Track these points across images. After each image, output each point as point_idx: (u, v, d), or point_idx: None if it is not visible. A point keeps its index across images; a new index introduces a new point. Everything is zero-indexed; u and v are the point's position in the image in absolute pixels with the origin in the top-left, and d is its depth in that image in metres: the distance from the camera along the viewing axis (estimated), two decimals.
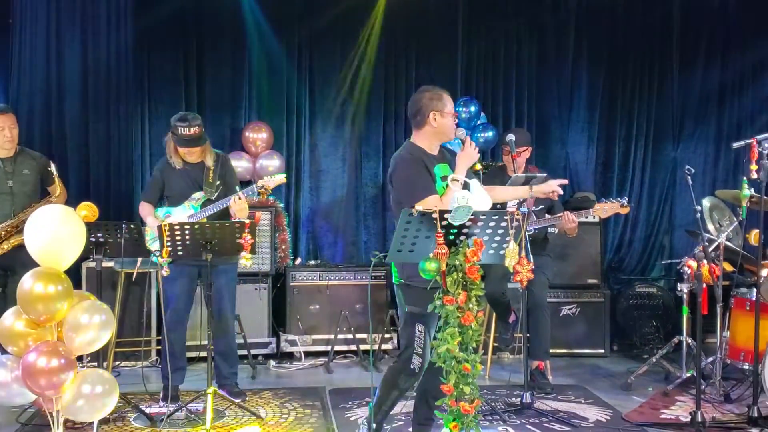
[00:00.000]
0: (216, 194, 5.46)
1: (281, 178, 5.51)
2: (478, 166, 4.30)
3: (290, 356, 6.89)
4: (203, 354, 6.36)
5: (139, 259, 5.93)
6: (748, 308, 5.73)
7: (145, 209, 5.56)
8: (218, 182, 5.49)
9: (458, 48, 7.82)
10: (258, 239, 6.49)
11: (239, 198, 5.30)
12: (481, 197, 3.78)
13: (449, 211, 3.52)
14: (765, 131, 4.91)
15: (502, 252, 3.69)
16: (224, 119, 7.50)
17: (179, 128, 5.34)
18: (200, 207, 5.44)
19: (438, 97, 4.33)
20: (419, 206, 4.03)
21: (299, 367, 6.70)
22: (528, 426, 5.10)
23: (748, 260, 6.04)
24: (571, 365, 6.78)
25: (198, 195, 5.47)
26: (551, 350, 6.16)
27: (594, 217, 5.95)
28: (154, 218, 5.44)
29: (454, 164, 4.33)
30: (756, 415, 4.99)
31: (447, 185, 4.16)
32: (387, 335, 6.93)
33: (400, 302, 4.30)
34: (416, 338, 4.18)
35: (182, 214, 5.43)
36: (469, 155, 4.27)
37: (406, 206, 4.06)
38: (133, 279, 6.29)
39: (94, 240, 4.88)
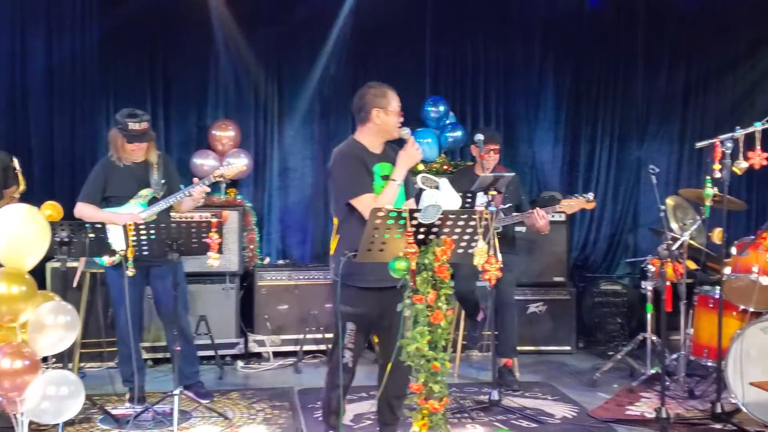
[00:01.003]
0: (161, 193, 5.39)
1: (240, 166, 5.47)
2: (421, 167, 4.28)
3: (258, 357, 6.84)
4: (167, 355, 6.32)
5: (83, 260, 5.85)
6: (711, 306, 5.79)
7: (87, 209, 5.31)
8: (163, 180, 5.41)
9: (426, 47, 7.82)
10: (225, 238, 6.47)
11: (199, 188, 5.27)
12: (450, 196, 3.78)
13: (419, 211, 3.51)
14: (728, 131, 4.95)
15: (470, 251, 3.69)
16: (190, 117, 7.44)
17: (129, 123, 5.24)
18: (147, 204, 5.35)
19: (382, 94, 4.29)
20: (354, 203, 4.11)
21: (268, 368, 6.66)
22: (495, 423, 5.11)
23: (711, 258, 6.10)
24: (537, 362, 6.81)
25: (146, 192, 5.36)
26: (518, 347, 6.18)
27: (560, 215, 5.98)
28: (117, 214, 5.29)
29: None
30: (719, 410, 5.04)
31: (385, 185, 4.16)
32: None
33: (335, 300, 4.32)
34: (347, 335, 4.23)
35: (128, 211, 5.34)
36: (409, 155, 4.22)
37: (341, 201, 4.17)
38: (75, 284, 6.17)
39: (58, 240, 4.81)
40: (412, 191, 4.46)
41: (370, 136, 4.33)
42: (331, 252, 4.39)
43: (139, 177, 5.38)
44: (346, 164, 4.25)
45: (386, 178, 4.22)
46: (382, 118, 4.27)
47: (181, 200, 5.35)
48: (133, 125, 5.24)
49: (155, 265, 5.27)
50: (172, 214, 5.47)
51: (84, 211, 5.31)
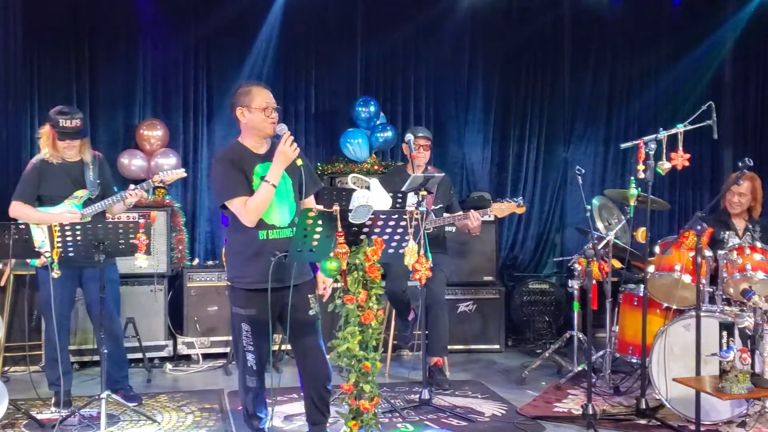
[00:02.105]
0: (96, 193, 5.29)
1: (180, 173, 5.40)
2: (300, 161, 4.17)
3: (188, 359, 6.75)
4: (95, 358, 6.21)
5: (11, 261, 5.71)
6: (635, 304, 5.90)
7: (23, 209, 5.17)
8: (98, 181, 5.31)
9: (357, 48, 7.83)
10: (153, 239, 6.36)
11: (135, 193, 5.19)
12: (380, 196, 3.78)
13: (350, 211, 3.50)
14: (651, 133, 5.06)
15: (401, 250, 3.70)
16: (118, 116, 7.30)
17: (61, 120, 5.12)
18: (83, 206, 5.24)
19: (245, 92, 4.21)
20: (228, 205, 4.10)
21: (197, 370, 6.57)
22: (426, 422, 5.13)
23: (635, 257, 6.22)
24: (467, 361, 6.87)
25: (81, 193, 5.24)
26: (449, 346, 6.22)
27: (490, 216, 6.03)
28: (56, 215, 5.15)
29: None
30: (644, 406, 5.14)
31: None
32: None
33: (229, 303, 4.33)
34: (244, 337, 4.21)
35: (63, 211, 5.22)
36: (283, 153, 4.07)
37: (218, 205, 4.21)
38: (2, 283, 6.01)
39: None
40: (310, 188, 4.40)
41: (247, 137, 4.26)
42: (228, 256, 4.37)
43: (74, 176, 5.26)
44: (218, 168, 4.20)
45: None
46: (247, 116, 4.18)
47: (115, 203, 5.25)
48: (65, 122, 5.13)
49: (88, 267, 5.15)
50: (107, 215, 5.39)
51: (19, 210, 5.17)
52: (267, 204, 4.08)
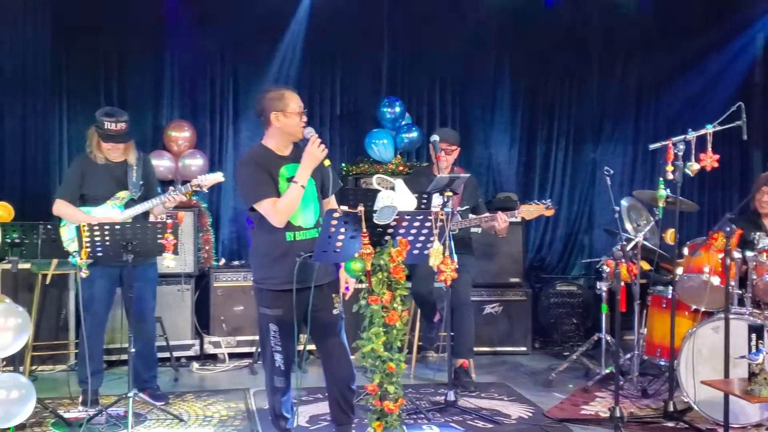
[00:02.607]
0: (139, 194, 5.34)
1: (218, 177, 5.45)
2: (328, 162, 4.24)
3: (214, 358, 6.81)
4: (122, 357, 6.26)
5: (55, 261, 5.78)
6: (664, 306, 5.87)
7: (67, 209, 5.24)
8: (141, 182, 5.37)
9: (383, 48, 7.83)
10: (181, 240, 6.42)
11: (174, 198, 5.27)
12: (405, 197, 3.79)
13: (375, 212, 3.52)
14: (680, 133, 5.04)
15: (426, 252, 3.70)
16: (146, 117, 7.35)
17: (105, 123, 5.19)
18: (124, 207, 5.30)
19: (279, 97, 4.26)
20: (256, 207, 4.13)
21: (223, 369, 6.62)
22: (452, 424, 5.13)
23: (664, 259, 6.18)
24: (493, 363, 6.85)
25: (123, 194, 5.31)
26: (475, 348, 6.21)
27: (518, 218, 6.02)
28: (95, 216, 5.18)
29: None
30: (672, 409, 5.12)
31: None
32: None
33: (256, 304, 4.37)
34: (272, 338, 4.25)
35: (105, 213, 5.28)
36: (311, 154, 4.17)
37: (246, 207, 4.21)
38: (48, 281, 6.11)
39: (9, 241, 4.73)
40: (334, 187, 4.47)
41: (275, 139, 4.30)
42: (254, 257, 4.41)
43: (117, 177, 5.32)
44: (245, 170, 4.26)
45: (291, 179, 4.20)
46: (282, 120, 4.24)
47: (156, 205, 5.31)
48: (110, 125, 5.20)
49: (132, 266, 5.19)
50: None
51: (63, 209, 5.24)
52: (296, 204, 4.14)
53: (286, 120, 4.23)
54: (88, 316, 5.19)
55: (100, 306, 5.27)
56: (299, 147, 4.30)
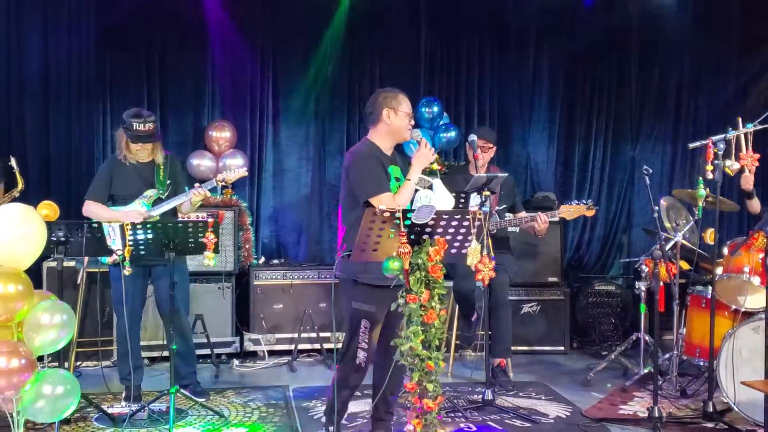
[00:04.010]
0: (166, 193, 5.42)
1: (242, 172, 5.52)
2: (435, 166, 4.34)
3: (254, 355, 6.87)
4: (163, 354, 6.34)
5: (86, 259, 5.85)
6: (703, 305, 5.82)
7: (94, 208, 5.33)
8: (168, 181, 5.44)
9: (420, 48, 7.83)
10: (221, 238, 6.49)
11: (199, 192, 5.31)
12: (443, 196, 3.80)
13: (412, 211, 3.53)
14: (720, 132, 4.98)
15: (464, 251, 3.71)
16: (187, 118, 7.44)
17: (134, 124, 5.27)
18: (151, 205, 5.37)
19: (393, 96, 4.41)
20: (373, 201, 4.12)
21: (263, 366, 6.67)
22: (489, 422, 5.13)
23: (703, 258, 6.13)
24: (531, 362, 6.84)
25: (150, 192, 5.39)
26: (512, 347, 6.20)
27: (558, 218, 6.00)
28: (124, 213, 5.27)
29: (405, 170, 4.37)
30: (711, 410, 5.07)
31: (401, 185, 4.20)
32: None
33: (345, 298, 4.36)
34: (361, 333, 4.27)
35: (132, 209, 5.35)
36: (424, 155, 4.31)
37: (359, 199, 4.19)
38: (78, 281, 6.17)
39: (54, 239, 4.82)
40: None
41: (382, 138, 4.41)
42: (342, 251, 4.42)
43: (144, 177, 5.42)
44: (364, 163, 4.31)
45: (398, 179, 4.31)
46: (393, 119, 4.37)
47: (183, 202, 5.38)
48: (138, 126, 5.27)
49: (159, 265, 5.29)
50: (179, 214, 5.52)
51: (91, 209, 5.34)
52: (408, 202, 4.22)
53: (396, 119, 4.37)
54: (127, 314, 5.28)
55: (137, 303, 5.36)
56: (395, 152, 4.49)
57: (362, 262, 4.06)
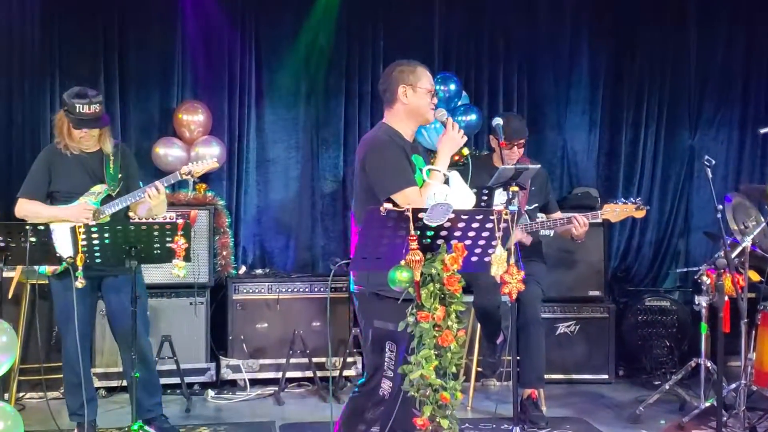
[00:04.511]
0: (117, 189, 5.39)
1: (212, 162, 5.50)
2: (466, 151, 4.31)
3: (233, 385, 6.88)
4: (122, 383, 6.32)
5: (18, 268, 5.81)
6: None
7: (30, 206, 5.30)
8: (120, 175, 5.41)
9: (435, 14, 7.84)
10: (193, 243, 6.48)
11: (156, 188, 5.27)
12: (462, 193, 3.79)
13: (424, 210, 3.51)
14: None
15: (487, 259, 3.70)
16: (152, 98, 7.45)
17: (77, 106, 5.21)
18: (100, 203, 5.35)
19: (411, 71, 4.37)
20: (396, 198, 4.05)
21: (244, 398, 6.68)
22: None
23: None
24: (569, 393, 6.84)
25: (99, 188, 5.34)
26: (546, 376, 6.19)
27: (600, 219, 5.98)
28: (67, 208, 5.24)
29: (425, 158, 4.34)
30: None
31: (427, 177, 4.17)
32: (350, 359, 6.91)
33: (366, 316, 4.32)
34: (386, 359, 4.21)
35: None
36: (451, 139, 4.31)
37: (380, 197, 4.08)
38: (9, 296, 6.13)
39: None
40: None
41: (400, 121, 4.39)
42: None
43: (91, 170, 5.38)
44: (384, 153, 4.27)
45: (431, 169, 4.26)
46: (411, 97, 4.34)
47: (139, 201, 5.35)
48: (82, 107, 5.23)
49: (110, 275, 5.27)
50: (130, 215, 5.49)
51: (26, 208, 5.31)
52: None
53: (415, 97, 4.34)
54: (67, 335, 5.25)
55: (84, 321, 5.30)
56: (416, 139, 4.44)
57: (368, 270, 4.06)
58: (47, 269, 5.18)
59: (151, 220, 5.37)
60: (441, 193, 3.57)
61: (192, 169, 5.41)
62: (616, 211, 5.79)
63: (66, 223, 5.07)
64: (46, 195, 5.36)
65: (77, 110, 5.22)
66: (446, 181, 3.83)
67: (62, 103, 5.33)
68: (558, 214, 6.08)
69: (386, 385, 4.22)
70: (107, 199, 5.35)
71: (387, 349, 4.21)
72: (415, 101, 4.35)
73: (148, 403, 5.51)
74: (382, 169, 4.24)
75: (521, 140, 6.03)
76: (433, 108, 4.42)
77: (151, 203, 5.29)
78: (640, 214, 5.86)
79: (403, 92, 4.33)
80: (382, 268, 3.63)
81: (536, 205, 6.07)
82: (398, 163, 4.24)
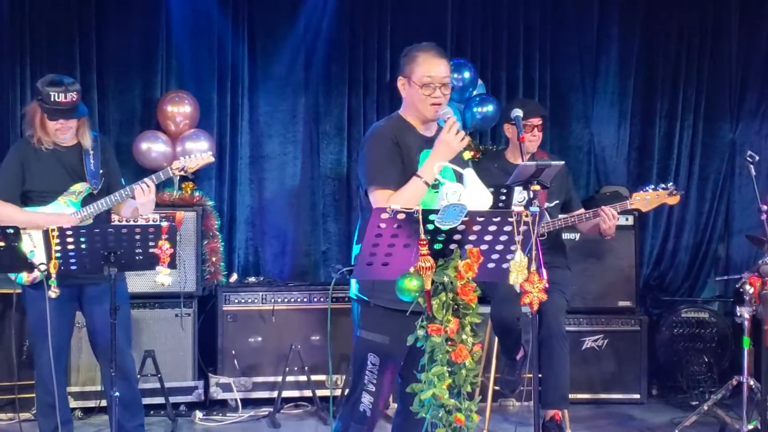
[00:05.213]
0: (99, 187, 5.37)
1: (207, 157, 5.47)
2: (467, 155, 4.26)
3: (223, 405, 6.88)
4: (101, 403, 6.33)
5: None
6: None
7: (4, 209, 5.25)
8: (101, 171, 5.41)
9: None
10: (179, 248, 6.48)
11: (148, 185, 5.25)
12: (477, 192, 3.78)
13: (436, 212, 3.51)
14: None
15: (505, 266, 3.69)
16: (133, 88, 7.47)
17: (52, 94, 5.19)
18: (81, 204, 5.34)
19: (411, 58, 4.32)
20: (370, 195, 4.12)
21: (235, 420, 6.68)
22: None
23: None
24: (596, 415, 6.86)
25: (79, 187, 5.33)
26: (570, 395, 6.18)
27: (627, 217, 5.97)
28: (45, 215, 5.22)
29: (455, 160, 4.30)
30: None
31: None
32: None
33: (355, 322, 4.35)
34: (367, 371, 4.22)
35: (56, 212, 5.32)
36: (445, 143, 4.15)
37: (364, 196, 4.15)
38: None
39: None
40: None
41: (411, 113, 4.36)
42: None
43: (69, 165, 5.35)
44: (373, 145, 4.28)
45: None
46: (407, 90, 4.32)
47: (123, 201, 5.34)
48: (57, 96, 5.21)
49: (90, 284, 5.25)
50: (113, 216, 5.49)
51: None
52: (415, 205, 4.10)
53: (411, 91, 4.30)
54: (41, 350, 5.23)
55: (60, 335, 5.29)
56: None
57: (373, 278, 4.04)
58: (24, 277, 5.16)
59: (132, 222, 5.36)
60: (454, 193, 3.56)
61: (185, 165, 5.39)
62: (646, 199, 5.79)
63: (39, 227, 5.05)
64: (20, 195, 5.32)
65: (52, 99, 5.19)
66: (460, 180, 3.82)
67: (35, 92, 5.30)
68: (582, 211, 6.07)
69: (366, 400, 4.24)
70: (89, 198, 5.33)
71: (369, 362, 4.22)
72: (411, 95, 4.31)
73: (129, 425, 5.47)
74: (363, 161, 4.29)
75: (537, 119, 6.00)
76: (435, 105, 4.27)
77: (138, 202, 5.27)
78: (673, 201, 5.86)
79: (401, 84, 4.33)
80: (388, 276, 3.62)
81: (557, 202, 6.06)
82: (381, 159, 4.21)
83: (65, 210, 5.28)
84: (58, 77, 5.26)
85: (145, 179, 5.28)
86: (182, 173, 5.42)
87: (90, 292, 5.34)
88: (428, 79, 4.25)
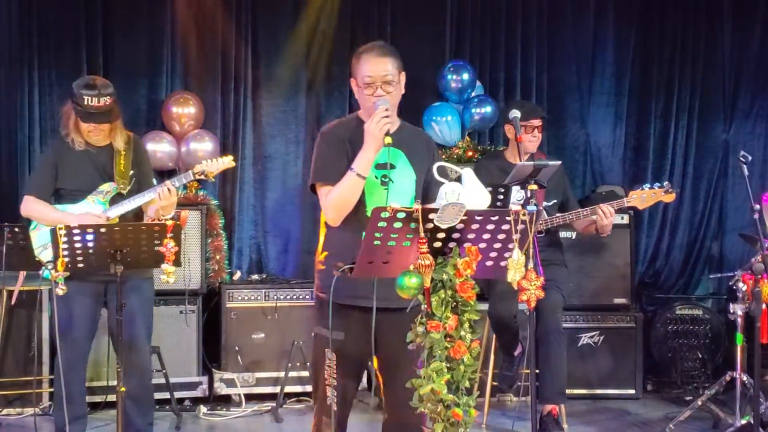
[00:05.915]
0: (129, 187, 5.38)
1: (227, 162, 5.47)
2: (389, 140, 4.09)
3: (227, 400, 6.88)
4: (110, 398, 6.32)
5: (22, 274, 5.81)
6: None
7: (38, 206, 5.29)
8: (132, 171, 5.41)
9: None
10: (184, 247, 6.48)
11: (168, 189, 5.25)
12: (476, 191, 3.78)
13: (435, 210, 3.51)
14: None
15: (503, 263, 3.69)
16: (139, 89, 7.46)
17: (85, 98, 5.20)
18: (109, 204, 5.35)
19: (356, 59, 4.28)
20: (319, 191, 4.17)
21: (239, 415, 6.69)
22: None
23: None
24: (592, 410, 6.85)
25: (107, 187, 5.34)
26: (567, 391, 6.19)
27: (623, 216, 5.97)
28: (75, 214, 5.20)
29: (416, 155, 4.27)
30: None
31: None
32: None
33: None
34: (326, 367, 4.16)
35: (85, 210, 5.33)
36: (368, 132, 4.03)
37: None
38: (13, 301, 6.15)
39: None
40: (434, 187, 4.38)
41: (365, 113, 4.27)
42: (318, 258, 4.39)
43: (100, 166, 5.35)
44: (318, 144, 4.28)
45: (383, 167, 4.17)
46: (356, 91, 4.28)
47: (149, 201, 5.32)
48: (90, 100, 5.20)
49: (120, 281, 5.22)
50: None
51: (33, 208, 5.29)
52: (351, 199, 4.09)
53: (359, 91, 4.25)
54: (64, 346, 5.25)
55: (80, 332, 5.30)
56: (414, 130, 4.35)
57: (330, 272, 3.95)
58: (52, 273, 5.15)
59: (134, 221, 5.34)
60: (453, 192, 3.56)
61: (206, 169, 5.38)
62: (643, 197, 5.80)
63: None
64: (52, 193, 5.35)
65: (85, 102, 5.19)
66: (459, 179, 3.82)
67: (70, 93, 5.29)
68: (579, 210, 6.07)
69: (332, 395, 4.22)
70: (117, 198, 5.34)
71: (327, 357, 4.15)
72: (359, 96, 4.26)
73: (140, 422, 5.45)
74: (314, 158, 4.29)
75: (537, 120, 6.01)
76: (375, 102, 4.15)
77: (158, 205, 5.26)
78: (669, 199, 5.87)
79: (353, 85, 4.29)
80: (388, 274, 3.63)
81: (555, 201, 6.07)
82: (325, 158, 4.21)
83: (93, 209, 5.28)
84: (92, 80, 5.25)
85: (167, 183, 5.28)
86: (202, 177, 5.41)
87: (114, 289, 5.31)
88: (369, 79, 4.19)
